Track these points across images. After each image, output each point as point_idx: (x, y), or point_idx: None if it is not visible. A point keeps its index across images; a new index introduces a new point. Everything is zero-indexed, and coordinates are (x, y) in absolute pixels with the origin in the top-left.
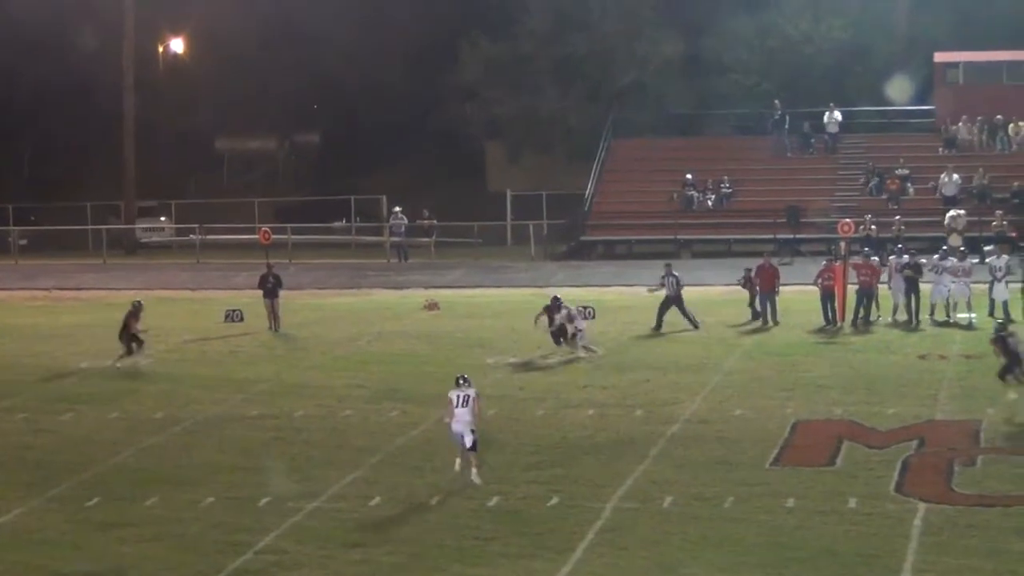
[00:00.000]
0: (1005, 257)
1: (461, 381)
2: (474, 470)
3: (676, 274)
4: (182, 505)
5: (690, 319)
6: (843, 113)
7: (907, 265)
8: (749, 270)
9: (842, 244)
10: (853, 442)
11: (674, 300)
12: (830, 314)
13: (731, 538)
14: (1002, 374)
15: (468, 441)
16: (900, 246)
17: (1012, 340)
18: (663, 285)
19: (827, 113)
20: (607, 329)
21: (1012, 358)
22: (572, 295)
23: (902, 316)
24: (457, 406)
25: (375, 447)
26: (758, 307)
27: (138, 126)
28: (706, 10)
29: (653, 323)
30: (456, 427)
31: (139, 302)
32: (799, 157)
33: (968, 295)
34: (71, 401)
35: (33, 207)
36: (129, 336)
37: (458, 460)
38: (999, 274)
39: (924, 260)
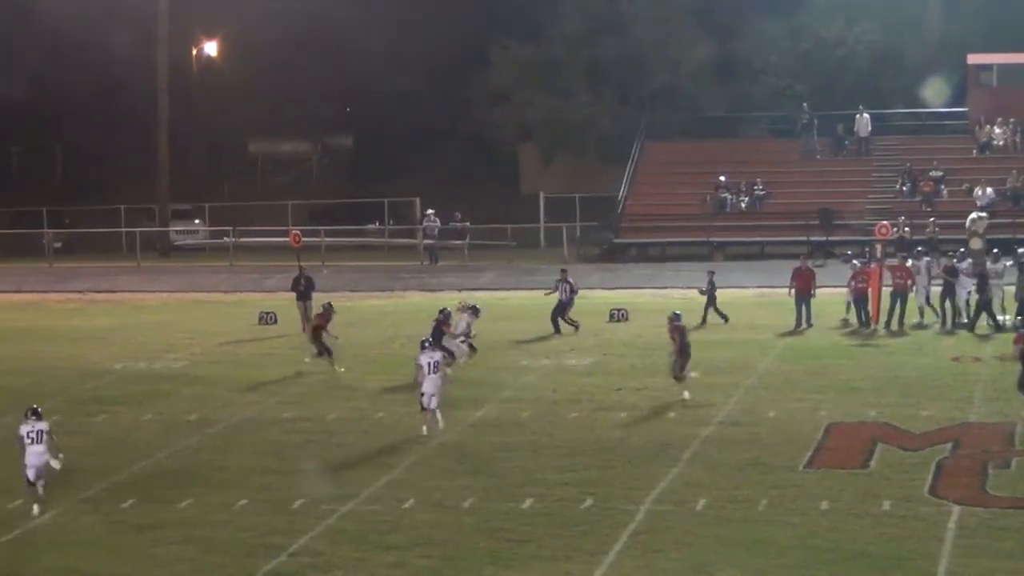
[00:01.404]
0: None
1: (427, 344)
2: (425, 427)
3: (571, 280)
4: (216, 507)
5: (572, 322)
6: (876, 115)
7: (945, 268)
8: (712, 273)
9: (878, 247)
10: (887, 444)
11: (565, 305)
12: (863, 316)
13: (764, 540)
14: (1021, 383)
15: (433, 403)
16: (920, 248)
17: None
18: (556, 290)
19: (857, 116)
20: (641, 332)
21: None
22: (606, 298)
23: (930, 318)
24: (428, 373)
25: (408, 449)
26: (722, 313)
27: (172, 129)
28: (738, 13)
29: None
30: (428, 388)
31: (329, 304)
32: (832, 159)
33: (1000, 297)
34: (105, 403)
35: (67, 210)
36: (320, 340)
37: (425, 426)
38: None
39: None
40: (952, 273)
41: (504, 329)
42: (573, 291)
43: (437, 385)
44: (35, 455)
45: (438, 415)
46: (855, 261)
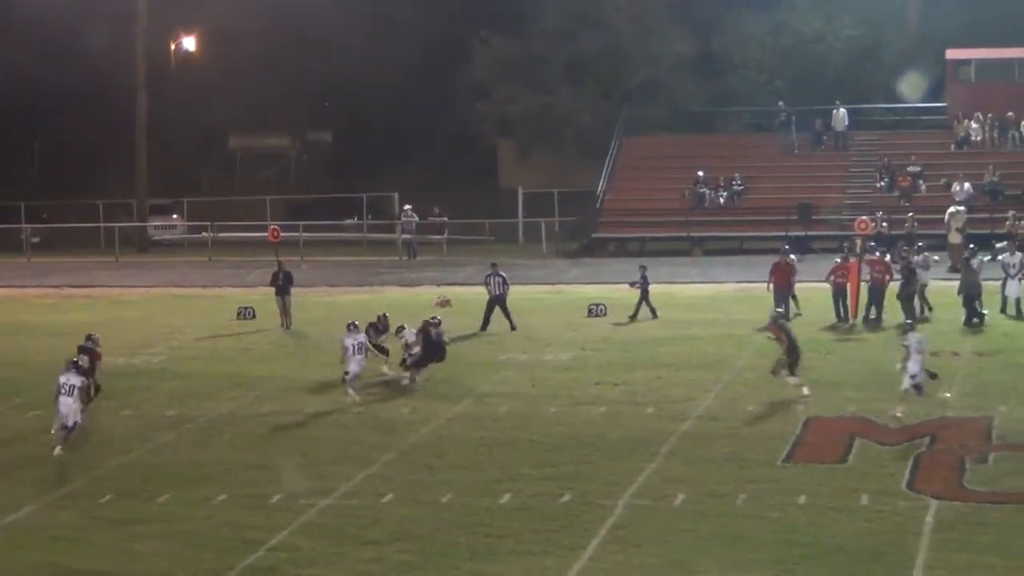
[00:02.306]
0: (1019, 254)
1: (352, 327)
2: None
3: (503, 274)
4: (194, 502)
5: (509, 320)
6: (855, 110)
7: (904, 262)
8: (644, 268)
9: (857, 241)
10: (865, 439)
11: (497, 300)
12: (842, 311)
13: (743, 535)
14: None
15: (351, 380)
16: (921, 244)
17: None
18: (487, 284)
19: (834, 111)
20: (618, 326)
21: None
22: (584, 292)
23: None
24: (352, 354)
25: (387, 444)
26: (652, 308)
27: (150, 124)
28: (718, 8)
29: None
30: (353, 368)
31: (384, 315)
32: (810, 154)
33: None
34: None
35: (45, 205)
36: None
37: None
38: (1012, 271)
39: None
40: (910, 267)
41: (481, 324)
42: (505, 284)
43: (362, 366)
44: (66, 405)
45: (351, 392)
46: (837, 258)
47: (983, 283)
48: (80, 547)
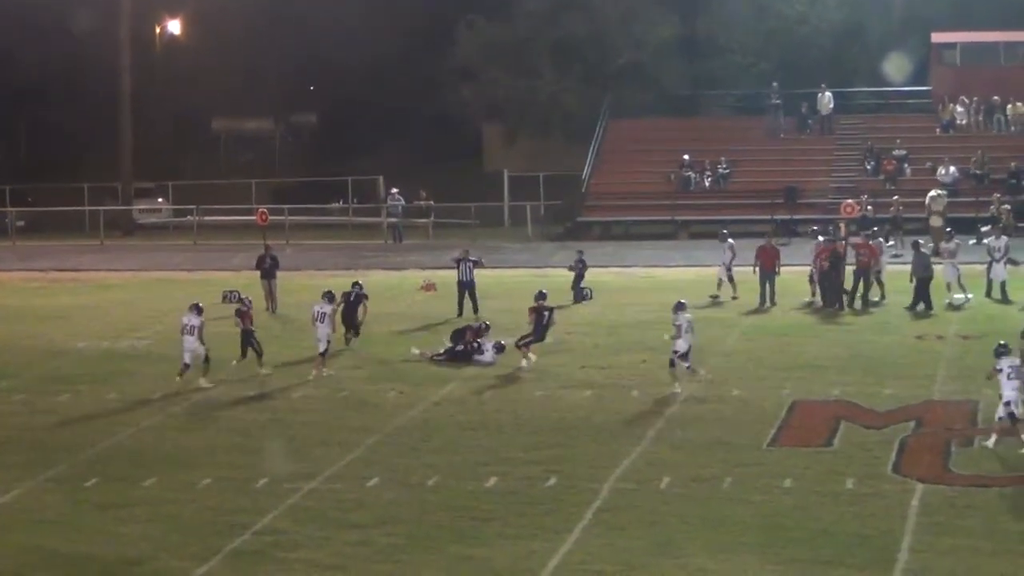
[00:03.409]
0: (1004, 238)
1: (325, 296)
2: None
3: (472, 259)
4: (180, 486)
5: (475, 305)
6: (840, 94)
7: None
8: (581, 252)
9: (841, 225)
10: (851, 423)
11: (467, 286)
12: (828, 295)
13: (728, 518)
14: None
15: (321, 347)
16: (949, 230)
17: None
18: (457, 267)
19: (819, 94)
20: (604, 310)
21: None
22: (570, 276)
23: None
24: (317, 320)
25: (372, 427)
26: (585, 291)
27: (135, 107)
28: None
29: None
30: (321, 332)
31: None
32: (796, 138)
33: (957, 275)
34: (69, 382)
35: (30, 188)
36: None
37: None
38: (997, 255)
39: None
40: (837, 252)
41: (466, 307)
42: (478, 264)
43: (326, 333)
44: (189, 342)
45: (324, 362)
46: (820, 238)
47: (934, 267)
48: (65, 530)
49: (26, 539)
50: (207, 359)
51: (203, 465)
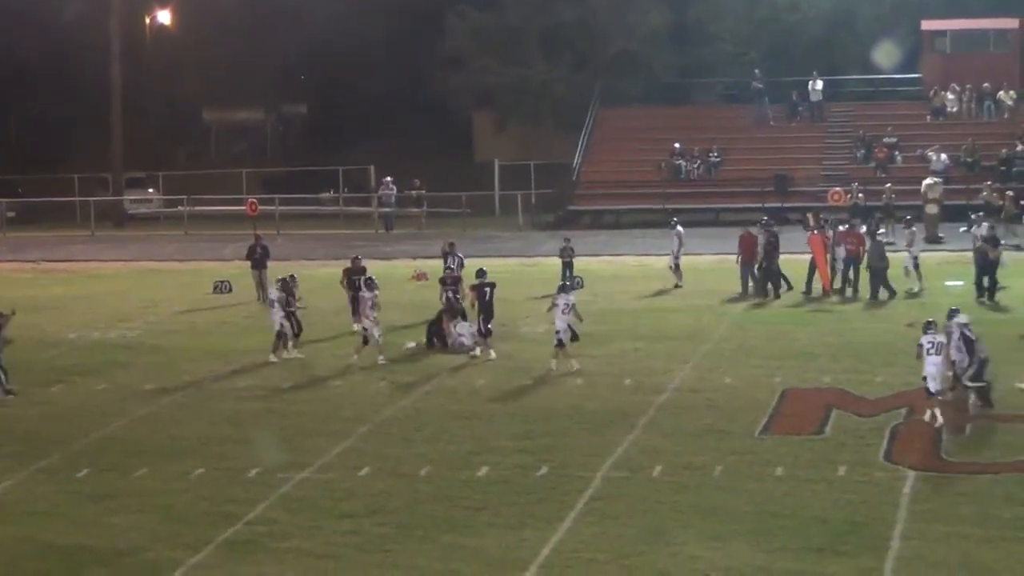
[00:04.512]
0: (985, 224)
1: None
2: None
3: (460, 254)
4: (172, 476)
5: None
6: (830, 81)
7: (985, 238)
8: (568, 239)
9: (809, 216)
10: (842, 410)
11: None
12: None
13: (720, 506)
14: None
15: (377, 334)
16: (908, 216)
17: None
18: (444, 260)
19: (810, 82)
20: (595, 299)
21: None
22: (561, 265)
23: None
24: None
25: (364, 417)
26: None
27: (125, 97)
28: None
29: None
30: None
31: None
32: (786, 126)
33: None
34: (61, 373)
35: (21, 179)
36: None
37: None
38: (978, 242)
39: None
40: (771, 240)
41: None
42: (461, 265)
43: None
44: (272, 314)
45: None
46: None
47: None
48: (58, 521)
49: (18, 530)
50: (295, 333)
51: (195, 455)
